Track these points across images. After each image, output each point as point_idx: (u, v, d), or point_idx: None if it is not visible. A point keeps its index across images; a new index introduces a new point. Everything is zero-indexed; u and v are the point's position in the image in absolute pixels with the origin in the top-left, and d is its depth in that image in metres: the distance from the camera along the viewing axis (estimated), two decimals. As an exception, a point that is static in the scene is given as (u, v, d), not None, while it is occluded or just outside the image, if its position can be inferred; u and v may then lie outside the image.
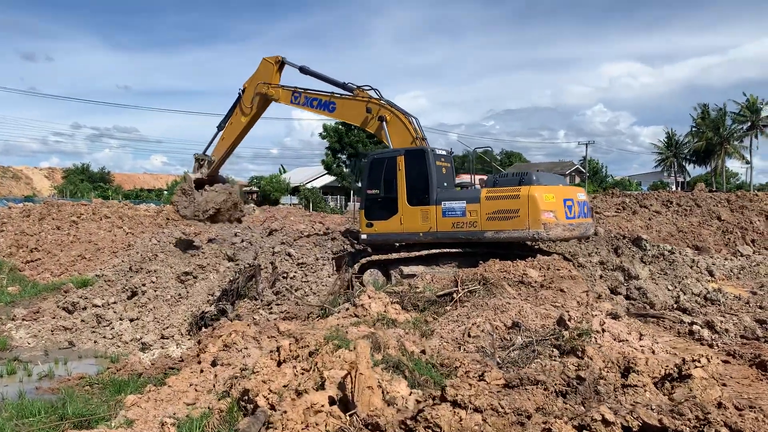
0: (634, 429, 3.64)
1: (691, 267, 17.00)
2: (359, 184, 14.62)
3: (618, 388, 4.29)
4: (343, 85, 14.82)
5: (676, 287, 14.31)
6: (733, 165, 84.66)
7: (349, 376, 5.01)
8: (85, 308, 14.86)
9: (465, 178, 16.14)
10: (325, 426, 4.85)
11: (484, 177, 15.18)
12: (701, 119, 72.07)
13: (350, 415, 4.70)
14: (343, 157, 57.54)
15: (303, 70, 15.59)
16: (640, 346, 7.10)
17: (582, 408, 4.08)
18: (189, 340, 12.76)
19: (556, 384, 4.29)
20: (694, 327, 10.86)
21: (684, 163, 78.92)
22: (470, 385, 3.97)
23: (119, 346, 13.00)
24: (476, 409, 3.91)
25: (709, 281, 16.06)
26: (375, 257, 12.59)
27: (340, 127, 56.09)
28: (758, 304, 13.13)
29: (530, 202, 11.69)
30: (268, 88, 15.77)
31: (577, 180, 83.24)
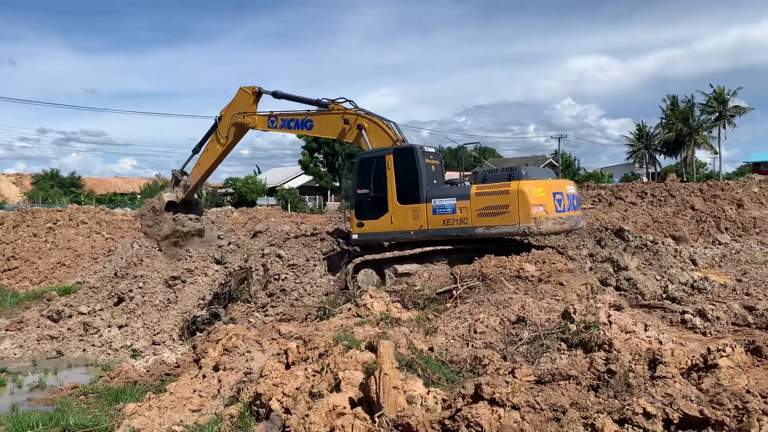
0: (674, 421, 3.66)
1: (675, 257, 17.28)
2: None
3: (647, 380, 4.31)
4: (317, 102, 14.93)
5: (663, 277, 14.52)
6: (702, 155, 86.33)
7: (373, 377, 4.96)
8: (70, 316, 14.59)
9: (453, 174, 16.18)
10: (352, 429, 4.80)
11: (468, 173, 15.25)
12: (671, 110, 73.32)
13: (378, 417, 4.66)
14: (320, 156, 57.32)
15: (276, 94, 15.65)
16: (647, 336, 7.18)
17: (616, 401, 4.10)
18: (182, 345, 12.59)
19: (586, 378, 4.30)
20: (686, 316, 11.02)
21: (654, 154, 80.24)
22: (507, 382, 3.96)
23: (109, 354, 12.77)
24: (514, 407, 3.90)
25: (693, 270, 16.35)
26: (369, 257, 12.54)
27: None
28: (744, 291, 13.38)
29: (520, 196, 11.71)
30: (243, 117, 15.85)
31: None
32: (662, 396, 4.19)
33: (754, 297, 12.82)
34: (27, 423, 8.19)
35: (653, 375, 4.37)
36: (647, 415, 3.65)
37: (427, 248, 12.42)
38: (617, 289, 13.24)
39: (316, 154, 57.43)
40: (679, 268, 15.89)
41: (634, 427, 3.64)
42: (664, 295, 13.20)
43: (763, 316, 11.06)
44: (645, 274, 14.26)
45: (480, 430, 3.74)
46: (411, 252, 12.42)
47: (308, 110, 15.24)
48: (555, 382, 4.28)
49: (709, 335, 10.26)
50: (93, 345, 13.15)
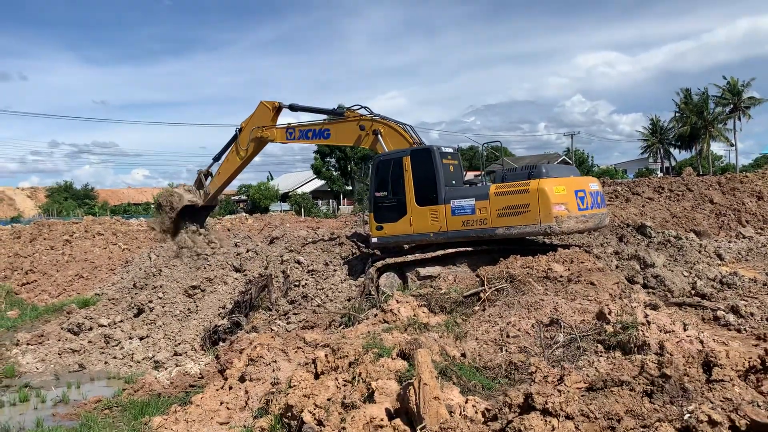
0: (741, 428, 3.44)
1: (700, 252, 16.94)
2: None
3: (703, 384, 4.08)
4: (333, 111, 15.23)
5: (690, 273, 14.20)
6: (717, 148, 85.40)
7: (411, 387, 4.77)
8: (91, 329, 14.50)
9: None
10: (392, 441, 4.62)
11: (481, 172, 15.03)
12: (684, 104, 72.60)
13: (420, 429, 4.46)
14: (332, 160, 57.25)
15: (292, 107, 15.90)
16: (687, 336, 6.94)
17: (673, 408, 3.88)
18: (204, 355, 12.45)
19: (639, 384, 4.08)
20: (719, 312, 10.73)
21: (669, 149, 79.49)
22: (559, 391, 3.75)
23: (131, 366, 12.67)
24: (567, 417, 3.69)
25: (720, 265, 15.99)
26: (391, 260, 12.35)
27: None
28: (776, 286, 13.04)
29: (540, 195, 11.47)
30: (263, 131, 16.14)
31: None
32: (721, 401, 3.96)
33: (786, 291, 12.48)
34: (53, 439, 8.09)
35: (709, 378, 4.14)
36: (712, 422, 3.44)
37: (450, 250, 12.21)
38: (645, 287, 12.94)
39: (328, 159, 57.35)
40: (705, 264, 15.54)
41: (700, 437, 3.43)
42: (692, 292, 12.88)
43: (798, 311, 10.74)
44: (672, 271, 13.93)
45: (534, 443, 3.53)
46: (433, 254, 12.22)
47: (324, 120, 15.43)
48: (607, 389, 4.07)
49: (744, 332, 9.97)
50: (115, 357, 13.05)
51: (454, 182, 13.09)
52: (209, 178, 17.63)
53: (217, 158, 17.38)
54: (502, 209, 11.85)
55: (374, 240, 13.48)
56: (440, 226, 12.54)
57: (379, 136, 13.83)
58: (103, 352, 13.32)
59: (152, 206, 17.97)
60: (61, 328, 14.81)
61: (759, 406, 3.52)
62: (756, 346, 8.60)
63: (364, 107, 14.51)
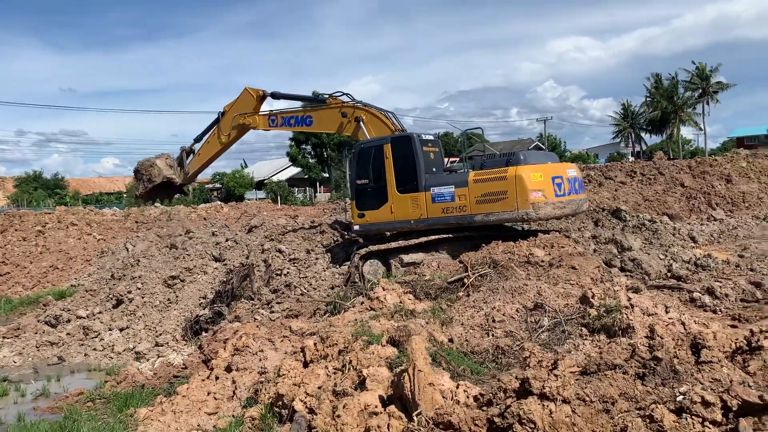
0: (733, 408, 3.54)
1: (674, 235, 17.27)
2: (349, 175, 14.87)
3: (692, 365, 4.20)
4: (315, 98, 15.44)
5: (666, 256, 14.49)
6: (686, 132, 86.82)
7: (406, 374, 4.81)
8: (68, 321, 14.29)
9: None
10: (388, 428, 4.66)
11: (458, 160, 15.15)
12: (655, 89, 73.56)
13: (416, 415, 4.51)
14: (308, 147, 56.88)
15: (274, 95, 15.98)
16: (669, 318, 7.09)
17: (665, 389, 3.98)
18: (186, 345, 12.36)
19: (632, 366, 4.17)
20: (695, 294, 10.98)
21: (640, 133, 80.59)
22: (556, 376, 3.82)
23: (112, 358, 12.52)
24: (564, 401, 3.77)
25: (693, 247, 16.35)
26: (375, 247, 12.39)
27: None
28: (748, 267, 13.39)
29: (518, 182, 11.55)
30: (245, 117, 16.14)
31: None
32: (710, 381, 4.07)
33: (758, 272, 12.81)
34: (37, 434, 7.98)
35: (698, 360, 4.26)
36: (705, 403, 3.54)
37: (433, 237, 12.28)
38: (622, 270, 13.18)
39: (303, 146, 56.96)
40: (680, 246, 15.87)
41: (693, 417, 3.53)
42: (668, 274, 13.17)
43: (771, 291, 11.04)
44: (648, 254, 14.21)
45: (533, 426, 3.60)
46: (416, 241, 12.29)
47: (306, 107, 15.54)
48: (601, 372, 4.16)
49: (719, 313, 10.22)
50: (95, 349, 12.88)
51: (434, 169, 13.14)
52: (191, 156, 17.63)
53: (198, 139, 17.36)
54: (481, 196, 11.93)
55: (356, 227, 13.51)
56: (420, 213, 12.60)
57: (361, 123, 13.83)
58: (82, 344, 13.14)
59: (135, 172, 18.30)
60: (38, 321, 14.56)
61: (750, 386, 3.63)
62: (732, 326, 8.83)
63: (346, 94, 14.53)
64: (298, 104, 15.81)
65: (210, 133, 16.95)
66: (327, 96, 14.81)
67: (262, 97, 16.04)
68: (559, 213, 12.11)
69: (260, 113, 16.12)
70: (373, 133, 13.65)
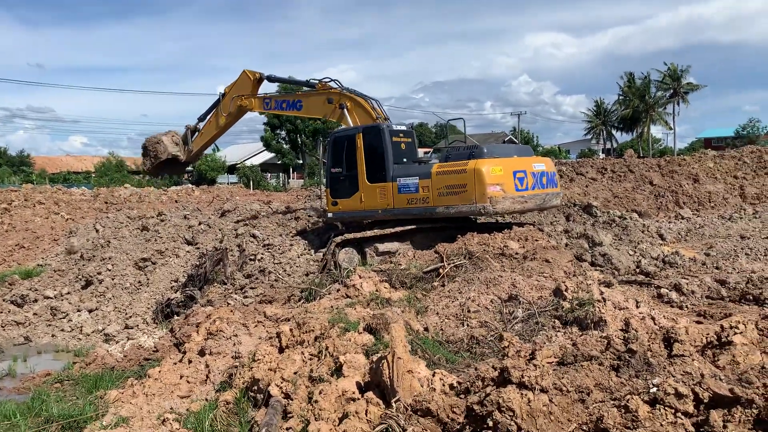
0: (704, 400, 3.66)
1: (643, 231, 17.63)
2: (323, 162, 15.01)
3: (665, 359, 4.32)
4: (306, 83, 15.34)
5: (635, 252, 14.78)
6: (656, 131, 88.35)
7: (385, 360, 4.86)
8: (36, 300, 14.06)
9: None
10: (366, 414, 4.70)
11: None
12: (627, 87, 74.61)
13: (395, 402, 4.56)
14: (282, 132, 56.44)
15: (270, 78, 16.20)
16: (639, 313, 7.26)
17: (638, 381, 4.09)
18: (156, 329, 12.27)
19: (607, 358, 4.28)
20: (663, 290, 11.23)
21: (612, 131, 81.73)
22: (535, 365, 3.90)
23: (80, 339, 12.38)
24: (542, 390, 3.86)
25: (662, 245, 16.70)
26: (350, 236, 12.40)
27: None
28: (714, 265, 13.72)
29: (476, 176, 11.51)
30: (242, 99, 16.33)
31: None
32: (681, 374, 4.19)
33: (723, 270, 13.14)
34: (3, 414, 7.85)
35: (670, 353, 4.38)
36: (678, 395, 3.65)
37: (408, 227, 12.34)
38: (592, 264, 13.41)
39: (278, 131, 56.53)
40: (648, 243, 16.20)
41: (666, 408, 3.64)
42: (637, 270, 13.44)
43: (735, 289, 11.34)
44: (618, 249, 14.48)
45: (512, 414, 3.68)
46: (392, 230, 12.34)
47: (297, 91, 15.75)
48: (577, 363, 4.25)
49: (685, 309, 10.48)
50: (62, 330, 12.71)
51: (404, 160, 13.15)
52: (195, 134, 17.83)
53: (201, 118, 17.61)
54: (442, 188, 11.96)
55: (330, 215, 13.56)
56: (387, 203, 12.69)
57: (345, 110, 13.87)
58: (49, 325, 12.96)
59: (144, 147, 18.62)
60: (3, 300, 14.29)
61: (721, 379, 3.75)
62: (698, 322, 9.07)
63: (335, 80, 14.59)
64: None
65: (212, 113, 17.20)
66: (317, 81, 14.86)
67: (259, 80, 16.18)
68: (519, 207, 12.01)
69: (256, 96, 16.30)
70: (358, 121, 13.71)
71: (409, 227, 12.25)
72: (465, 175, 11.68)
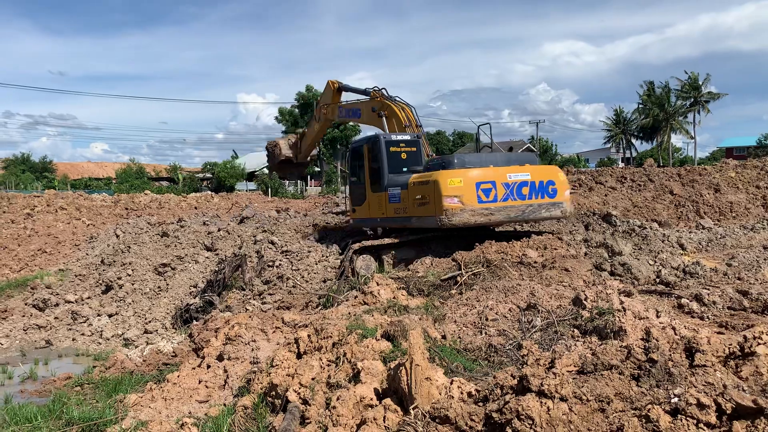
0: (727, 411, 3.62)
1: (663, 241, 17.42)
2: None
3: (687, 369, 4.27)
4: (363, 91, 16.11)
5: (655, 262, 14.61)
6: (676, 140, 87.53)
7: (403, 367, 4.86)
8: (57, 305, 14.25)
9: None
10: (384, 421, 4.70)
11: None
12: (647, 96, 74.10)
13: (413, 409, 4.56)
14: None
15: (343, 88, 17.26)
16: (660, 323, 7.18)
17: (660, 391, 4.05)
18: (175, 333, 12.36)
19: (628, 368, 4.24)
20: (683, 300, 11.10)
21: (631, 139, 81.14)
22: (554, 374, 3.88)
23: (100, 343, 12.51)
24: (562, 398, 3.83)
25: (682, 254, 16.49)
26: (368, 243, 12.45)
27: (296, 110, 55.19)
28: (736, 275, 13.51)
29: (434, 188, 11.43)
30: (324, 108, 17.75)
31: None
32: (703, 385, 4.14)
33: (746, 281, 12.93)
34: (25, 416, 7.97)
35: (692, 363, 4.32)
36: (701, 405, 3.61)
37: (428, 234, 12.40)
38: (612, 274, 13.26)
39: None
40: (669, 253, 16.01)
41: (688, 418, 3.60)
42: (657, 280, 13.28)
43: (758, 300, 11.17)
44: (638, 259, 14.32)
45: (531, 423, 3.66)
46: (408, 239, 12.39)
47: (357, 100, 16.53)
48: (597, 372, 4.22)
49: (706, 320, 10.35)
50: (83, 334, 12.86)
51: (405, 169, 13.16)
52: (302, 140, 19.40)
53: (307, 125, 19.29)
54: (415, 199, 12.05)
55: (351, 222, 13.90)
56: (383, 212, 12.97)
57: (384, 118, 14.38)
58: (70, 329, 13.11)
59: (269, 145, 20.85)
60: (26, 304, 14.50)
61: (744, 390, 3.71)
62: (719, 333, 8.94)
63: (383, 89, 15.14)
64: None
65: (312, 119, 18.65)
66: (371, 90, 15.50)
67: (338, 89, 17.13)
68: (482, 220, 11.51)
69: (332, 104, 17.26)
70: (395, 128, 14.20)
71: (429, 235, 12.27)
72: (427, 186, 11.68)
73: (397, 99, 14.72)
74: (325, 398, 5.81)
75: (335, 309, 8.57)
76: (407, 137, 13.70)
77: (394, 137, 13.47)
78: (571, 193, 12.60)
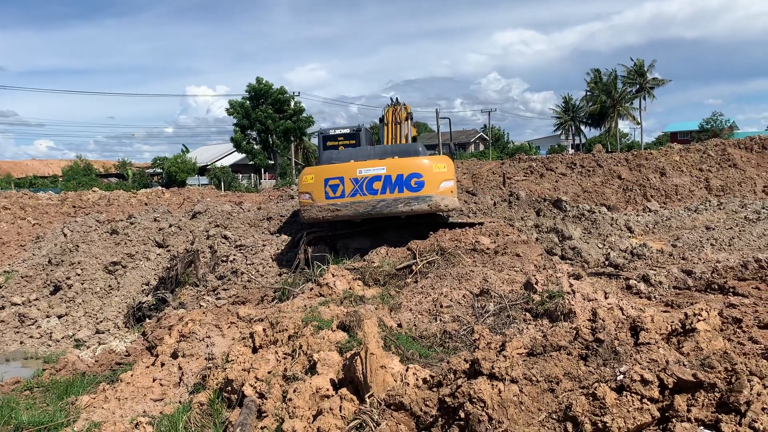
0: (669, 386, 3.76)
1: (611, 225, 17.93)
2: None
3: (632, 347, 4.42)
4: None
5: (604, 245, 15.02)
6: (623, 126, 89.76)
7: (358, 357, 4.89)
8: (3, 308, 13.78)
9: None
10: (340, 410, 4.73)
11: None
12: (594, 83, 75.72)
13: (368, 397, 4.60)
14: (253, 133, 55.99)
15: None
16: (608, 304, 7.39)
17: (606, 369, 4.18)
18: (128, 332, 12.12)
19: (576, 348, 4.36)
20: (631, 281, 11.45)
21: (580, 126, 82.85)
22: (504, 357, 3.97)
23: (50, 345, 12.16)
24: (512, 380, 3.92)
25: (630, 237, 17.00)
26: (321, 233, 12.44)
27: (247, 102, 54.47)
28: (681, 256, 14.00)
29: (299, 183, 11.93)
30: None
31: (482, 147, 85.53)
32: (648, 362, 4.29)
33: (690, 261, 13.42)
34: (-30, 423, 7.70)
35: (636, 342, 4.48)
36: (644, 381, 3.74)
37: (380, 224, 12.42)
38: (562, 258, 13.60)
39: (248, 131, 56.06)
40: (617, 236, 16.49)
41: (632, 394, 3.73)
42: (606, 262, 13.66)
43: (701, 279, 11.61)
44: (587, 243, 14.71)
45: (483, 405, 3.73)
46: (361, 229, 12.41)
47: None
48: (546, 354, 4.33)
49: (653, 299, 10.70)
50: (31, 337, 12.48)
51: None
52: None
53: None
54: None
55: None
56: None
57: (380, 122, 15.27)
58: (18, 332, 12.71)
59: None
60: (-31, 308, 13.99)
61: (684, 365, 3.86)
62: (665, 312, 9.26)
63: (396, 98, 15.81)
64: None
65: None
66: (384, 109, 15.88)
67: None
68: (329, 216, 11.54)
69: None
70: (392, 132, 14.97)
71: (381, 224, 12.32)
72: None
73: (395, 104, 15.32)
74: (282, 391, 5.80)
75: (291, 302, 8.55)
76: (346, 130, 14.00)
77: (332, 131, 13.74)
78: (453, 184, 11.75)
